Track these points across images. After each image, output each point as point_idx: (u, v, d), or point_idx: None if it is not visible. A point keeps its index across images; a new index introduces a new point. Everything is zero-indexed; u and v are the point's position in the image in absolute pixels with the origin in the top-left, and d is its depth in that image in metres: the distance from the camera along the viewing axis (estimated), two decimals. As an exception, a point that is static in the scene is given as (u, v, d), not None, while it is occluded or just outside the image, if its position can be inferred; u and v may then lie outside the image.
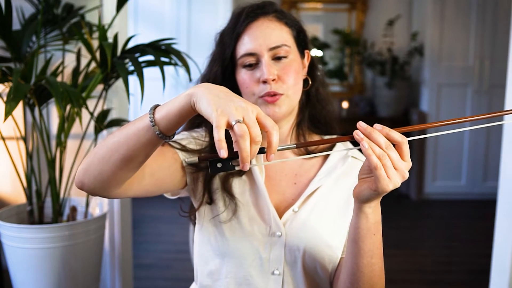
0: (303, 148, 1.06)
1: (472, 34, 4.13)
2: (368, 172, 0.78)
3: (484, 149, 4.22)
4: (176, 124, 0.73)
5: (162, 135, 0.73)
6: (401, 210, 4.02)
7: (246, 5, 1.01)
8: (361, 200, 0.79)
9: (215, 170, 0.69)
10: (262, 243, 0.97)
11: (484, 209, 3.93)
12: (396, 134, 0.73)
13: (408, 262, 2.95)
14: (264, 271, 0.97)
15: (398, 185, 0.74)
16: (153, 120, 0.73)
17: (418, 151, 4.19)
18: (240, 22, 0.98)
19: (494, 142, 4.17)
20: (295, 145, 0.73)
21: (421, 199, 4.27)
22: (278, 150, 0.69)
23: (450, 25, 4.14)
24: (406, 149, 0.73)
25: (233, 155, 0.67)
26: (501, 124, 1.65)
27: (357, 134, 0.73)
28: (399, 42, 4.52)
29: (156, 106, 0.75)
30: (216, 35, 1.05)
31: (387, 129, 0.73)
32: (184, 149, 0.98)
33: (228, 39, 1.00)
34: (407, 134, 0.74)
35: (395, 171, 0.73)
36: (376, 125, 0.74)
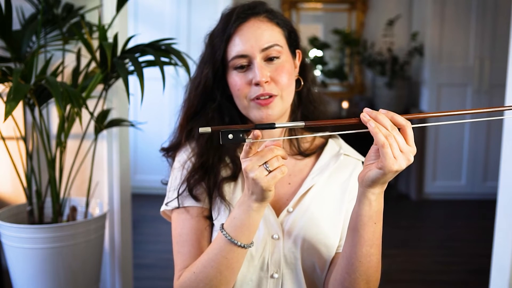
0: (296, 149, 1.07)
1: (472, 34, 4.13)
2: (374, 158, 0.79)
3: (484, 149, 4.22)
4: (255, 231, 0.87)
5: (248, 246, 0.87)
6: (401, 210, 4.02)
7: (236, 5, 1.00)
8: (365, 184, 0.79)
9: (226, 140, 0.75)
10: (261, 247, 0.96)
11: (484, 209, 3.93)
12: (400, 118, 0.75)
13: (408, 262, 2.96)
14: (263, 274, 0.97)
15: (403, 167, 0.75)
16: (247, 245, 0.87)
17: (418, 151, 4.16)
18: (230, 23, 0.97)
19: (494, 142, 4.17)
20: (303, 123, 0.77)
21: (421, 199, 4.27)
22: (287, 127, 0.78)
23: (450, 25, 4.13)
24: (410, 133, 0.75)
25: (244, 127, 0.74)
26: (501, 125, 1.66)
27: (364, 116, 0.75)
28: (399, 42, 4.52)
29: (223, 229, 0.88)
30: (205, 36, 1.04)
31: (391, 113, 0.75)
32: (195, 197, 1.01)
33: (218, 41, 0.98)
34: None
35: (400, 153, 0.74)
36: (381, 110, 0.76)
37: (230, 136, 0.75)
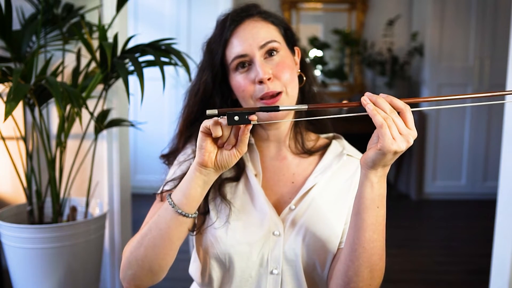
0: (300, 147, 1.07)
1: (472, 34, 4.13)
2: (376, 141, 0.79)
3: (484, 149, 4.22)
4: (194, 199, 0.85)
5: (186, 214, 0.85)
6: (401, 210, 4.02)
7: (229, 10, 1.02)
8: (367, 166, 0.80)
9: (232, 122, 0.77)
10: (260, 243, 0.97)
11: (484, 209, 3.93)
12: (399, 102, 0.77)
13: (408, 262, 2.96)
14: (263, 271, 0.98)
15: (402, 148, 0.76)
16: (173, 203, 0.85)
17: (418, 151, 4.19)
18: (226, 27, 0.98)
19: (494, 142, 4.17)
20: (306, 106, 0.79)
21: (421, 199, 4.27)
22: (291, 109, 0.80)
23: (450, 25, 4.14)
24: (409, 116, 0.76)
25: (250, 110, 0.77)
26: (502, 124, 1.66)
27: (364, 100, 0.77)
28: (399, 42, 4.52)
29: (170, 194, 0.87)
30: (203, 44, 1.05)
31: (391, 97, 0.77)
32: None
33: (216, 46, 0.99)
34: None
35: (399, 134, 0.76)
36: (381, 94, 0.78)
37: (236, 118, 0.76)
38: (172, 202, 0.85)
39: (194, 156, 1.03)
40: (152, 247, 0.87)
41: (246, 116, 0.77)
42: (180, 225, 0.86)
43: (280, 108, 0.78)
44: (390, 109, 0.76)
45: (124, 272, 0.91)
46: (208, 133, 0.79)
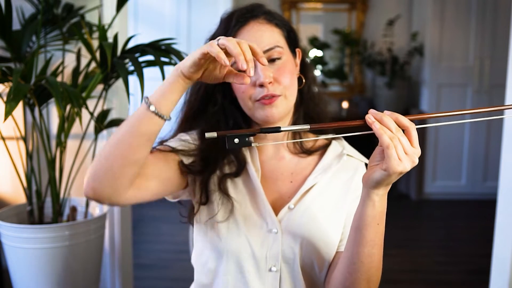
0: (299, 147, 1.07)
1: (472, 34, 4.13)
2: (379, 159, 0.79)
3: (484, 149, 4.22)
4: (171, 101, 0.81)
5: (161, 114, 0.80)
6: (401, 210, 4.02)
7: (235, 9, 1.01)
8: (370, 185, 0.80)
9: (232, 145, 0.75)
10: (259, 240, 0.98)
11: (484, 209, 3.93)
12: (404, 119, 0.76)
13: (408, 262, 2.96)
14: (261, 268, 0.98)
15: (408, 168, 0.75)
16: (149, 102, 0.80)
17: (418, 151, 4.18)
18: (230, 27, 0.98)
19: (494, 142, 4.17)
20: (309, 126, 0.78)
21: (421, 199, 4.27)
22: (292, 131, 0.79)
23: (450, 25, 4.14)
24: (414, 134, 0.76)
25: (250, 131, 0.75)
26: (501, 125, 1.66)
27: (369, 118, 0.76)
28: (399, 42, 4.52)
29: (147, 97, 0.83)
30: (206, 40, 1.04)
31: (396, 114, 0.76)
32: (180, 150, 1.00)
33: None
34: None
35: (405, 155, 0.75)
36: (386, 111, 0.77)
37: (236, 140, 0.75)
38: (148, 101, 0.81)
39: (193, 144, 1.03)
40: (118, 141, 0.82)
41: (247, 138, 0.75)
42: (150, 120, 0.81)
43: (282, 129, 0.77)
44: (395, 128, 0.75)
45: (87, 174, 0.85)
46: (210, 58, 0.77)
